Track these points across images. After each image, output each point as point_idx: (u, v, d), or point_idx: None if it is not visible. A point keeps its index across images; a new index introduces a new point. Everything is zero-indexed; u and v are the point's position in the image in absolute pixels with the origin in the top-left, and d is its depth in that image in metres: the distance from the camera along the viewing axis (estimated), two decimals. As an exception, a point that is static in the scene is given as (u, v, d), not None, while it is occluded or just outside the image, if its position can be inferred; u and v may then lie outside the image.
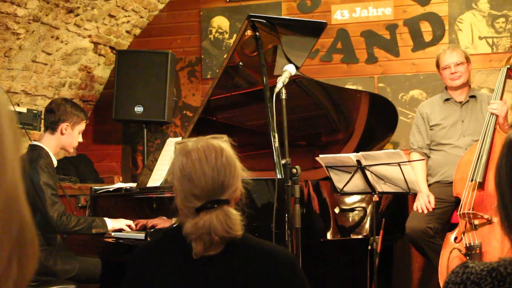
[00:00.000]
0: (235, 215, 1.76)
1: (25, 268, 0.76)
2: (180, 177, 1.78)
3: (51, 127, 3.86)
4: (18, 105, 4.98)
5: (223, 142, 1.85)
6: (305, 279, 1.81)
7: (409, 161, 3.63)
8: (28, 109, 4.95)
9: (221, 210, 1.74)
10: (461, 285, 1.28)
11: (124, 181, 5.48)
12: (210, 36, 5.61)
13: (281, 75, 3.20)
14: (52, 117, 3.87)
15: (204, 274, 1.73)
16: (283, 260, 1.75)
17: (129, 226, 3.86)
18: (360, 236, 4.02)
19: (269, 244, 1.81)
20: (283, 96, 3.08)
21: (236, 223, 1.75)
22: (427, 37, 5.15)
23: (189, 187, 1.76)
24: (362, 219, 4.07)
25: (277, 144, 3.06)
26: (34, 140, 3.92)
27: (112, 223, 3.81)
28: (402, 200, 4.38)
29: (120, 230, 3.85)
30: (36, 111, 5.10)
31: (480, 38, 5.02)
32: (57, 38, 4.97)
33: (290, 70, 3.19)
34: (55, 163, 3.82)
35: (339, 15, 5.31)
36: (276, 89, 3.08)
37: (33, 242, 0.78)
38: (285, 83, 3.10)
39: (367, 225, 4.03)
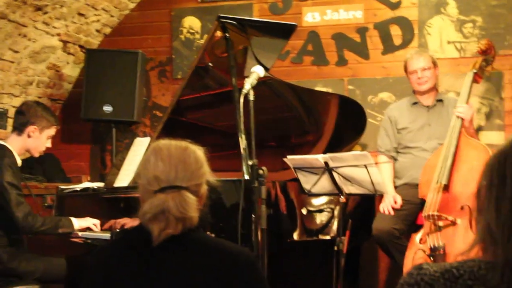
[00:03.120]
0: (191, 200, 1.80)
1: None
2: (146, 163, 1.84)
3: (19, 128, 3.82)
4: (-16, 103, 4.93)
5: (198, 148, 1.90)
6: (265, 280, 1.82)
7: (376, 163, 3.67)
8: (-6, 107, 4.90)
9: (178, 193, 1.79)
10: (415, 286, 1.30)
11: (92, 180, 5.44)
12: (181, 36, 5.60)
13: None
14: (21, 119, 3.83)
15: (162, 267, 1.74)
16: (243, 260, 1.77)
17: (96, 226, 3.84)
18: (327, 237, 4.05)
19: (230, 243, 1.82)
20: (251, 98, 3.08)
21: (191, 207, 1.79)
22: (397, 41, 5.20)
23: (152, 171, 1.81)
24: (329, 220, 4.09)
25: (244, 145, 3.07)
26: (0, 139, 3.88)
27: (78, 222, 3.79)
28: (369, 201, 4.42)
29: (87, 229, 3.83)
30: (2, 110, 5.03)
31: (449, 42, 5.08)
32: (25, 36, 4.92)
33: (257, 71, 3.20)
34: (19, 162, 3.78)
35: (310, 18, 5.34)
36: (244, 91, 3.09)
37: None
38: (253, 85, 3.11)
39: (334, 226, 4.05)
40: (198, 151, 1.89)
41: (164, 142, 1.88)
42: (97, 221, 3.84)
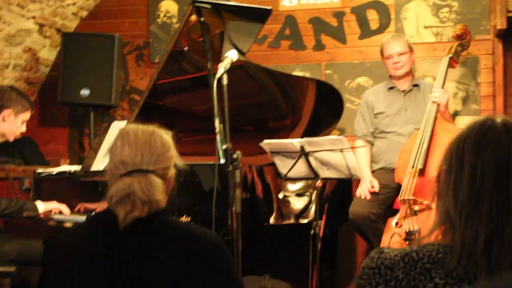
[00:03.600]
0: (157, 183, 1.81)
1: None
2: (113, 147, 1.85)
3: None
4: (-40, 86, 4.87)
5: (165, 132, 1.90)
6: (233, 263, 1.83)
7: (351, 148, 3.69)
8: (-30, 91, 4.84)
9: (144, 177, 1.80)
10: (375, 270, 1.32)
11: (71, 163, 5.42)
12: (158, 20, 5.57)
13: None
14: None
15: (129, 250, 1.75)
16: (211, 242, 1.78)
17: (61, 210, 3.83)
18: (303, 221, 4.07)
19: (197, 227, 1.84)
20: (224, 82, 3.08)
21: (157, 190, 1.80)
22: (374, 25, 5.21)
23: (119, 155, 1.83)
24: (306, 204, 4.11)
25: (218, 129, 3.07)
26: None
27: (44, 206, 3.78)
28: (346, 186, 4.45)
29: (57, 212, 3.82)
30: (-22, 93, 4.98)
31: (425, 27, 5.10)
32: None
33: (231, 56, 3.19)
34: (-8, 146, 3.76)
35: (287, 2, 5.33)
36: (217, 75, 3.09)
37: None
38: (226, 69, 3.10)
39: (311, 211, 4.07)
40: (165, 135, 1.89)
41: (132, 127, 1.88)
42: (63, 205, 3.83)
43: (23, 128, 3.92)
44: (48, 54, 5.65)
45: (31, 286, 3.77)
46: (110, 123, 4.38)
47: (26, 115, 3.89)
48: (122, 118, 5.57)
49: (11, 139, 3.97)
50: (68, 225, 3.82)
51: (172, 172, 1.89)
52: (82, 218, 3.74)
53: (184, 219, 3.49)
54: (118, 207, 1.76)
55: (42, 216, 3.76)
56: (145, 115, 3.88)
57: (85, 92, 5.16)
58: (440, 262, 1.25)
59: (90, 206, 3.85)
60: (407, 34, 5.01)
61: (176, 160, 1.90)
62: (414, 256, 1.28)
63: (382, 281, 1.31)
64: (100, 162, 3.97)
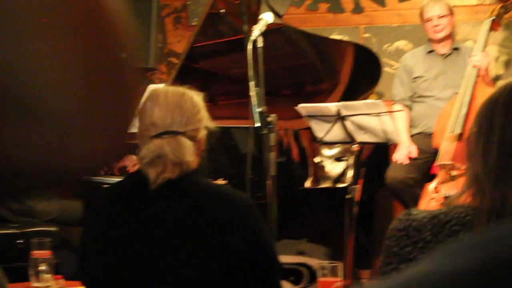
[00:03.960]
0: (188, 145, 1.82)
1: None
2: (143, 109, 1.85)
3: None
4: None
5: (195, 93, 1.90)
6: (264, 225, 1.85)
7: (388, 112, 3.65)
8: None
9: (174, 139, 1.81)
10: (403, 231, 1.32)
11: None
12: (196, -18, 5.55)
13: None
14: None
15: (160, 210, 1.78)
16: (241, 203, 1.80)
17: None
18: (340, 186, 4.07)
19: (228, 188, 1.86)
20: (259, 44, 3.07)
21: (188, 152, 1.81)
22: (414, -12, 5.10)
23: (149, 117, 1.83)
24: (342, 168, 4.11)
25: (253, 92, 3.07)
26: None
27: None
28: (383, 150, 4.42)
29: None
30: None
31: (467, -11, 4.98)
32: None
33: (266, 18, 3.17)
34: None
35: (326, -37, 5.25)
36: (252, 37, 3.08)
37: None
38: (261, 31, 3.09)
39: (347, 175, 4.07)
40: (196, 97, 1.90)
41: (162, 88, 1.90)
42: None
43: None
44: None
45: (72, 246, 3.86)
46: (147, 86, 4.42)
47: None
48: (161, 81, 5.61)
49: None
50: (106, 186, 3.90)
51: (202, 133, 1.90)
52: (119, 179, 3.81)
53: (220, 182, 3.52)
54: (149, 168, 1.78)
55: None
56: (182, 78, 3.90)
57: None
58: (468, 225, 1.24)
59: (115, 165, 3.90)
60: (448, -4, 4.90)
61: (206, 121, 1.90)
62: (442, 218, 1.28)
63: (410, 242, 1.31)
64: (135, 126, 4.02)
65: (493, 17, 4.21)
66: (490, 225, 1.20)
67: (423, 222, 1.30)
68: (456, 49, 4.45)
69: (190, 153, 1.81)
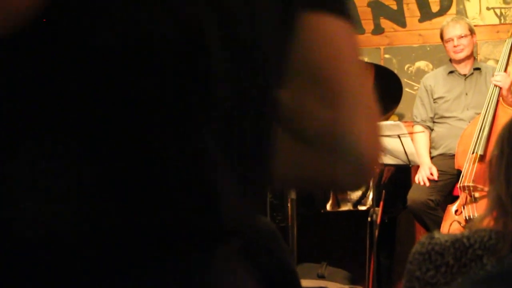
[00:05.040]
0: None
1: None
2: None
3: None
4: None
5: None
6: (286, 248, 1.82)
7: (409, 133, 3.63)
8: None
9: None
10: (426, 255, 1.29)
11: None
12: None
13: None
14: None
15: None
16: (263, 228, 1.77)
17: None
18: (361, 208, 4.04)
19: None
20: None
21: None
22: (434, 8, 5.09)
23: None
24: (363, 191, 4.08)
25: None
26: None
27: None
28: (404, 172, 4.38)
29: None
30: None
31: (488, 8, 4.96)
32: None
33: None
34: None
35: (346, -15, 5.26)
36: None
37: None
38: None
39: (368, 197, 4.04)
40: None
41: None
42: None
43: None
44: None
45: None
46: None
47: None
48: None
49: None
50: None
51: None
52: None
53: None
54: None
55: None
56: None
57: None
58: (492, 249, 1.21)
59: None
60: (469, 16, 4.89)
61: None
62: (465, 242, 1.25)
63: (432, 266, 1.28)
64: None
65: (515, 37, 4.19)
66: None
67: (446, 246, 1.27)
68: (477, 69, 4.43)
69: None
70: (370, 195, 4.03)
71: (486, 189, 3.80)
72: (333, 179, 0.70)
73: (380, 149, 0.70)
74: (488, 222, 1.26)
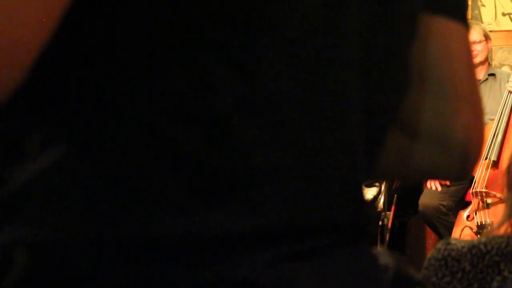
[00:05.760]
0: None
1: None
2: None
3: None
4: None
5: None
6: None
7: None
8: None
9: None
10: (442, 261, 1.29)
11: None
12: None
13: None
14: None
15: None
16: None
17: None
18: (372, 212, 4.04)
19: None
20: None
21: None
22: (449, 13, 5.08)
23: None
24: (374, 195, 4.07)
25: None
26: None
27: None
28: (416, 176, 4.38)
29: None
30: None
31: (504, 14, 4.94)
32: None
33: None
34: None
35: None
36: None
37: None
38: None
39: (380, 201, 4.03)
40: None
41: None
42: None
43: None
44: None
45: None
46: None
47: None
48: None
49: None
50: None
51: None
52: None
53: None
54: None
55: None
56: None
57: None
58: (509, 255, 1.21)
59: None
60: (484, 22, 4.87)
61: None
62: (482, 248, 1.25)
63: (449, 272, 1.28)
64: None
65: (530, 43, 4.18)
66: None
67: (463, 252, 1.27)
68: (492, 75, 4.42)
69: None
70: (382, 199, 4.02)
71: (498, 195, 3.80)
72: (439, 170, 0.78)
73: (483, 145, 0.77)
74: (505, 229, 1.26)
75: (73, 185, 0.51)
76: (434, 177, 1.13)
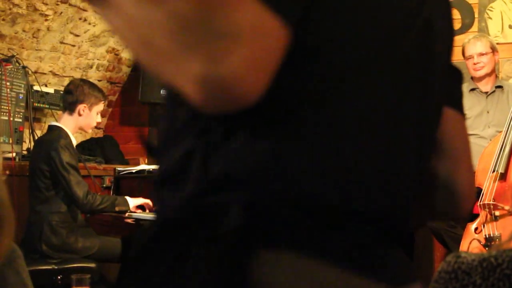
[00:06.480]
0: None
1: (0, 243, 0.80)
2: None
3: (69, 108, 3.93)
4: (46, 86, 5.06)
5: None
6: None
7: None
8: (55, 90, 5.02)
9: None
10: (452, 274, 1.29)
11: (149, 163, 5.54)
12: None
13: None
14: (70, 98, 3.93)
15: None
16: None
17: (147, 204, 3.94)
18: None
19: None
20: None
21: None
22: (456, 25, 5.05)
23: None
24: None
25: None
26: (53, 121, 4.00)
27: (133, 201, 3.91)
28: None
29: (142, 208, 3.94)
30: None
31: (510, 26, 4.94)
32: (85, 20, 5.03)
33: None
34: (74, 142, 3.90)
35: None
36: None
37: (9, 219, 0.82)
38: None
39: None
40: None
41: None
42: (148, 201, 3.94)
43: (99, 119, 4.04)
44: (130, 54, 5.79)
45: (109, 283, 3.87)
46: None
47: (100, 106, 4.01)
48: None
49: (89, 131, 4.15)
50: (144, 222, 3.92)
51: None
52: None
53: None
54: None
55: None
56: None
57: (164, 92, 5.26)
58: (520, 269, 1.21)
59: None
60: (491, 34, 4.87)
61: None
62: (493, 261, 1.24)
63: (459, 286, 1.27)
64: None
65: (537, 55, 4.17)
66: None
67: (473, 265, 1.26)
68: (499, 87, 4.41)
69: None
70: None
71: (506, 207, 3.78)
72: (451, 209, 1.11)
73: (474, 195, 1.10)
74: (517, 242, 1.25)
75: (284, 165, 0.69)
76: (447, 216, 1.60)
